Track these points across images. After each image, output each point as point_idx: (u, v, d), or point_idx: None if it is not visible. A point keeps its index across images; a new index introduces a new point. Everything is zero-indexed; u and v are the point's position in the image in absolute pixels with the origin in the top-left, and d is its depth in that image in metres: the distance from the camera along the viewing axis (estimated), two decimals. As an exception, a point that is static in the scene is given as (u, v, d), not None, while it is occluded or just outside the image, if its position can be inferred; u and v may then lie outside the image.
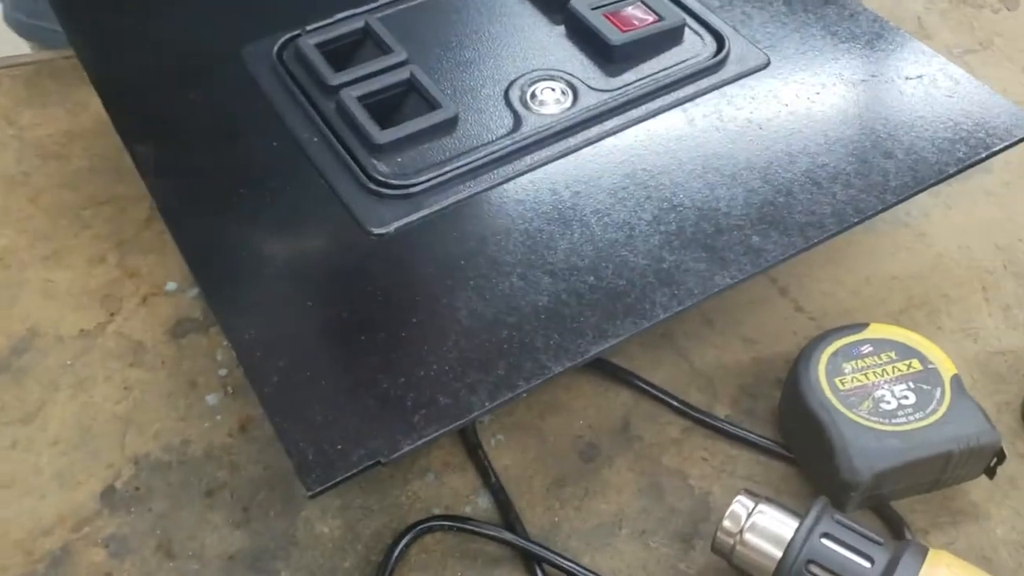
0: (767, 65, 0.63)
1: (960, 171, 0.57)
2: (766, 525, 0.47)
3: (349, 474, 0.45)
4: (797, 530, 0.46)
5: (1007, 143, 0.58)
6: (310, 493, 0.45)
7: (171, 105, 0.64)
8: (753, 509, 0.48)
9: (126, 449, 0.57)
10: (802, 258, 0.65)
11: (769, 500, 0.49)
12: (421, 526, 0.53)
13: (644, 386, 0.59)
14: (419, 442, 0.46)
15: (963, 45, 0.80)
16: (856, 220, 0.55)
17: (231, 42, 0.66)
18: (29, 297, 0.64)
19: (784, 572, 0.46)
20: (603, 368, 0.60)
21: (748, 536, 0.48)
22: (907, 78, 0.63)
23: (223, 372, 0.60)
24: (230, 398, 0.59)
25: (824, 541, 0.46)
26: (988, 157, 0.58)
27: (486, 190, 0.57)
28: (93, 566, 0.53)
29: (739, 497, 0.49)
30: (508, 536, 0.52)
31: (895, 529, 0.53)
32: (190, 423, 0.58)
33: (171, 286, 0.65)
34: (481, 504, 0.55)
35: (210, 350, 0.61)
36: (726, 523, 0.48)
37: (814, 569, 0.46)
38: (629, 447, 0.57)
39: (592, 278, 0.53)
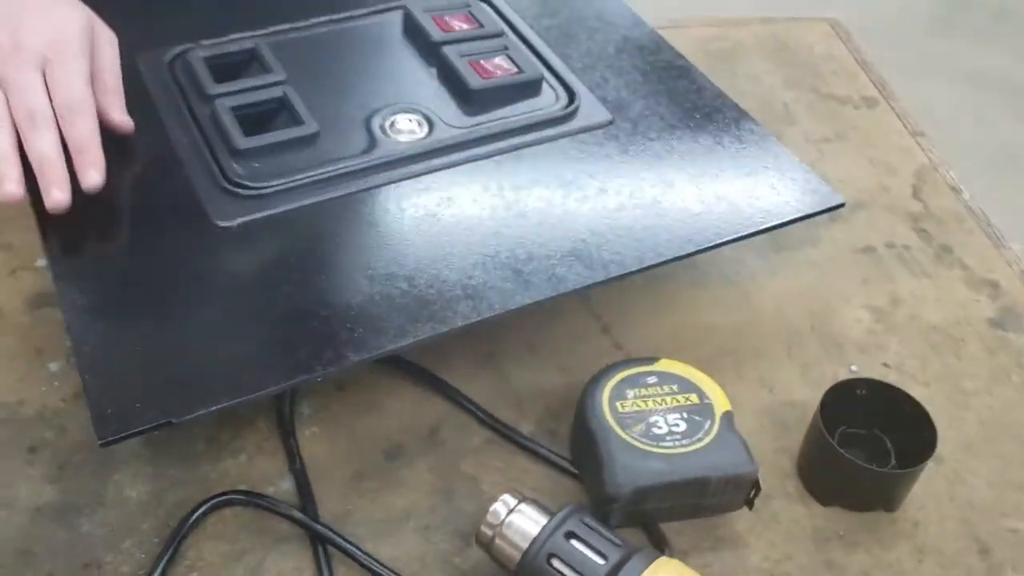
0: (610, 123, 0.69)
1: (759, 233, 0.63)
2: (520, 523, 0.52)
3: (141, 429, 0.50)
4: (544, 527, 0.51)
5: (803, 214, 0.64)
6: (101, 441, 0.49)
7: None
8: (514, 507, 0.52)
9: (-36, 401, 0.61)
10: (629, 302, 0.71)
11: (532, 501, 0.53)
12: (218, 499, 0.57)
13: (457, 397, 0.63)
14: (210, 408, 0.51)
15: (820, 134, 0.87)
16: (653, 263, 0.60)
17: (131, 47, 0.72)
18: (-96, 258, 0.68)
19: (526, 563, 0.50)
20: (422, 377, 0.64)
21: (504, 531, 0.52)
22: (731, 146, 0.69)
23: (70, 344, 0.64)
24: (71, 368, 0.63)
25: (567, 539, 0.50)
26: (783, 225, 0.64)
27: (329, 200, 0.62)
28: (-93, 503, 0.56)
29: (504, 496, 0.53)
30: (297, 515, 0.56)
31: (657, 547, 0.57)
32: (28, 385, 0.62)
33: (41, 262, 0.69)
34: (283, 487, 0.59)
35: (63, 323, 0.65)
36: (488, 518, 0.52)
37: (555, 563, 0.50)
38: (432, 451, 0.61)
39: (406, 285, 0.58)
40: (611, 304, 0.71)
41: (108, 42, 0.62)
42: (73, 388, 0.62)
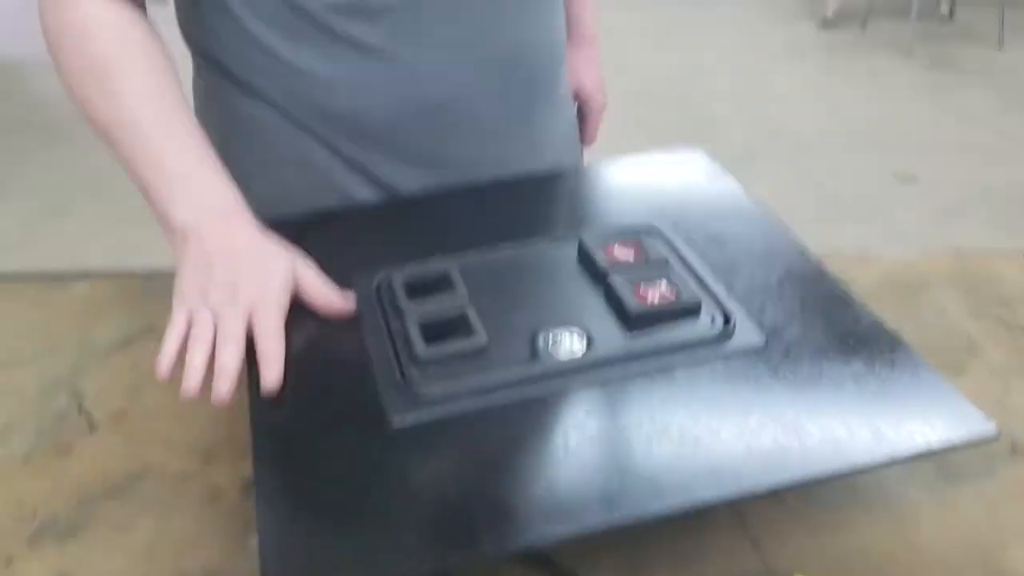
0: (763, 347, 0.73)
1: (900, 461, 0.64)
2: None
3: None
4: None
5: (949, 444, 0.64)
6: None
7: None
8: None
9: (180, 562, 0.71)
10: (782, 518, 0.72)
11: None
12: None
13: (596, 602, 0.66)
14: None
15: (1007, 366, 0.85)
16: (784, 485, 0.62)
17: (351, 270, 0.84)
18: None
19: None
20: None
21: None
22: (882, 373, 0.70)
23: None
24: (265, 542, 0.72)
25: None
26: (928, 454, 0.64)
27: (488, 407, 0.69)
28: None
29: None
30: None
31: None
32: (230, 555, 0.72)
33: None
34: (424, 669, 0.64)
35: (265, 503, 0.76)
36: None
37: None
38: (568, 650, 0.64)
39: (546, 487, 0.63)
40: (764, 519, 0.72)
41: (308, 268, 0.79)
42: (264, 561, 0.71)
